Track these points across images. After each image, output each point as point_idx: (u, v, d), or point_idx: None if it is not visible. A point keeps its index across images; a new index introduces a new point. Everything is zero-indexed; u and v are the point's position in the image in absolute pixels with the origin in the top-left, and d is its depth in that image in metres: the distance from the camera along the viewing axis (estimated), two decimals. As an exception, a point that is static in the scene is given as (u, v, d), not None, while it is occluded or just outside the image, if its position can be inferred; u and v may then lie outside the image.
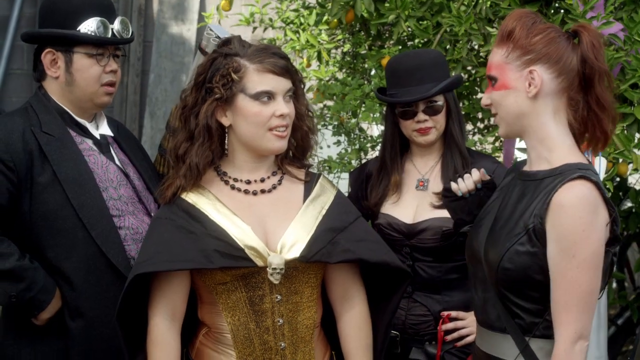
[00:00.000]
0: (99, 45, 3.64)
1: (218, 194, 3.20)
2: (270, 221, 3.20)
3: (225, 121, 3.18)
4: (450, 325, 3.80)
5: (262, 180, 3.25)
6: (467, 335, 3.78)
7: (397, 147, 3.93)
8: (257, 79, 3.14)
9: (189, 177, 3.18)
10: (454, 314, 3.81)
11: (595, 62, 2.94)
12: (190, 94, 3.22)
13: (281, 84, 3.17)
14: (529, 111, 2.99)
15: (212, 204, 3.17)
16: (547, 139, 2.99)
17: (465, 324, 3.79)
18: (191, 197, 3.19)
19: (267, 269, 3.13)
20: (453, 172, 3.76)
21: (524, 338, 2.96)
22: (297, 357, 3.21)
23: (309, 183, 3.32)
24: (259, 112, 3.14)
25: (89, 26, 3.61)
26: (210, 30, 3.76)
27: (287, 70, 3.19)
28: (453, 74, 4.27)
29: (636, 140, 4.18)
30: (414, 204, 3.84)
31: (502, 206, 3.08)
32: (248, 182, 3.23)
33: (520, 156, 5.43)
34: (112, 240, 3.54)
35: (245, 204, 3.20)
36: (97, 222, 3.53)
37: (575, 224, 2.82)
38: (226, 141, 3.21)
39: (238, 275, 3.13)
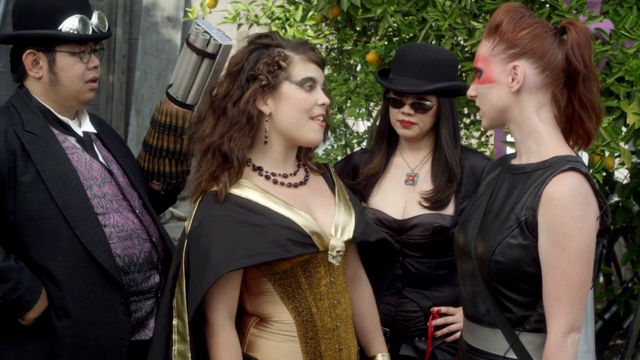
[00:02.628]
0: (81, 42, 3.62)
1: (265, 188, 3.24)
2: (316, 209, 3.29)
3: (266, 109, 3.22)
4: (440, 321, 3.80)
5: (295, 174, 3.34)
6: (457, 331, 3.77)
7: (385, 130, 3.94)
8: (302, 67, 3.24)
9: (233, 167, 3.20)
10: (443, 309, 3.81)
11: (577, 62, 2.95)
12: (223, 83, 3.26)
13: (320, 75, 3.29)
14: (512, 105, 3.00)
15: (265, 196, 3.21)
16: (534, 133, 3.00)
17: (455, 320, 3.79)
18: (241, 192, 3.20)
19: (329, 252, 3.23)
20: (443, 180, 3.77)
21: (514, 332, 2.96)
22: (347, 335, 3.31)
23: (325, 174, 3.45)
24: (304, 99, 3.22)
25: (71, 24, 3.59)
26: (198, 24, 3.76)
27: (323, 63, 3.33)
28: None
29: (623, 134, 4.19)
30: (403, 199, 3.83)
31: (491, 200, 3.09)
32: (285, 176, 3.30)
33: (510, 150, 5.44)
34: (97, 239, 3.52)
35: (292, 195, 3.27)
36: (81, 220, 3.51)
37: (567, 216, 2.83)
38: (266, 130, 3.24)
39: (299, 262, 3.19)
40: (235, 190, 3.19)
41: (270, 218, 3.16)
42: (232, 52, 3.75)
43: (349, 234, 3.29)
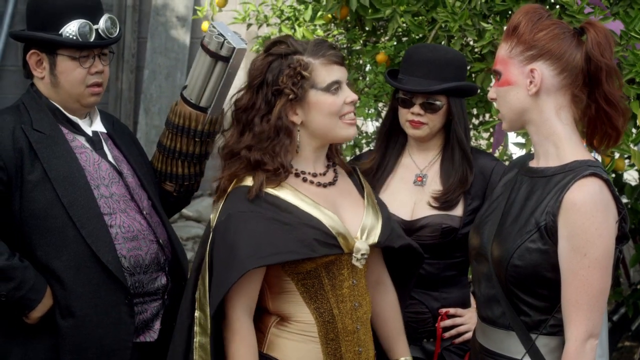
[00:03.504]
0: (82, 48, 3.60)
1: (295, 186, 3.24)
2: (343, 210, 3.28)
3: (297, 119, 3.22)
4: (448, 322, 3.79)
5: (324, 174, 3.33)
6: (466, 332, 3.77)
7: (388, 128, 3.92)
8: (325, 72, 3.22)
9: (277, 174, 3.20)
10: (452, 310, 3.79)
11: (600, 59, 2.93)
12: (244, 95, 3.26)
13: (344, 73, 3.28)
14: (530, 107, 2.99)
15: (294, 194, 3.21)
16: (553, 135, 3.00)
17: (464, 321, 3.78)
18: (271, 190, 3.20)
19: (354, 254, 3.22)
20: (455, 179, 3.75)
21: (530, 336, 2.95)
22: (366, 338, 3.30)
23: (352, 175, 3.45)
24: (333, 102, 3.22)
25: (71, 29, 3.56)
26: (213, 27, 3.74)
27: (344, 60, 3.32)
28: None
29: (634, 135, 4.18)
30: (412, 199, 3.81)
31: (509, 203, 3.07)
32: (314, 175, 3.29)
33: (516, 152, 5.42)
34: (102, 239, 3.51)
35: (321, 195, 3.26)
36: (87, 220, 3.50)
37: (588, 222, 2.83)
38: (297, 139, 3.24)
39: (323, 263, 3.18)
40: (266, 187, 3.19)
41: (298, 217, 3.16)
42: (246, 48, 3.74)
43: (374, 237, 3.28)
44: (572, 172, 2.91)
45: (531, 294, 2.95)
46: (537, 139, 3.04)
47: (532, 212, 2.95)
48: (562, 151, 2.98)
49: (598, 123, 3.00)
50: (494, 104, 3.16)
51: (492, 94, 3.09)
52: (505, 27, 3.07)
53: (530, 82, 2.96)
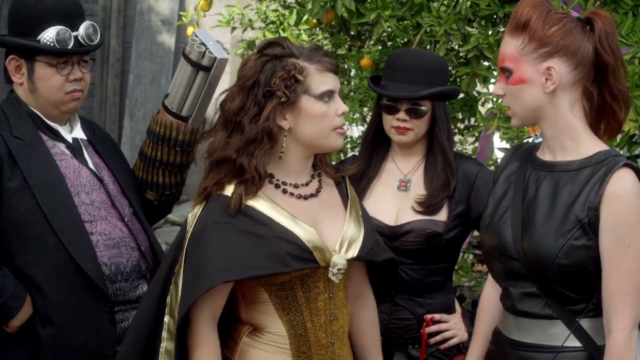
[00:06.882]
0: (59, 55, 3.57)
1: (273, 198, 3.16)
2: (323, 223, 3.20)
3: (285, 124, 3.13)
4: (433, 328, 3.77)
5: (307, 184, 3.24)
6: (451, 338, 3.77)
7: (372, 134, 3.90)
8: (319, 78, 3.13)
9: (254, 183, 3.11)
10: (437, 316, 3.78)
11: (607, 53, 2.92)
12: (236, 97, 3.14)
13: (337, 83, 3.19)
14: (546, 104, 2.96)
15: (272, 207, 3.13)
16: (569, 129, 2.98)
17: (449, 327, 3.77)
18: (249, 202, 3.12)
19: (330, 269, 3.14)
20: (438, 184, 3.74)
21: (575, 320, 2.95)
22: (342, 352, 3.24)
23: (340, 185, 3.35)
24: (325, 113, 3.13)
25: (49, 36, 3.53)
26: (195, 36, 3.70)
27: (338, 69, 3.23)
28: None
29: (617, 140, 4.17)
30: (396, 205, 3.80)
31: (529, 198, 3.04)
32: (296, 186, 3.21)
33: (500, 157, 5.42)
34: (83, 247, 3.48)
35: (300, 207, 3.18)
36: (67, 228, 3.47)
37: (630, 213, 2.85)
38: (283, 145, 3.15)
39: (298, 275, 3.12)
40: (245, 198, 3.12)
41: (273, 230, 3.08)
42: (228, 58, 3.70)
43: (354, 251, 3.19)
44: (602, 164, 2.91)
45: (574, 289, 2.94)
46: (551, 134, 3.01)
47: (568, 208, 2.94)
48: (581, 144, 2.97)
49: (604, 114, 2.99)
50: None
51: (498, 90, 3.03)
52: (509, 23, 3.01)
53: (547, 80, 2.93)
